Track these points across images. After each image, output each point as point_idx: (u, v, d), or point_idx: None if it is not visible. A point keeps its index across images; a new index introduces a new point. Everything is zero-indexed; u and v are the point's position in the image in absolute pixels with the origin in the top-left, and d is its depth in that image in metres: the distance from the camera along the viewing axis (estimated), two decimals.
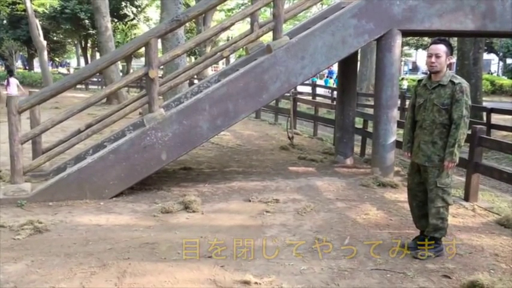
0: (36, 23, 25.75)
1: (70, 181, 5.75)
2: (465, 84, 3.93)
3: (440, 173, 3.99)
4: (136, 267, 3.86)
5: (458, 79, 3.96)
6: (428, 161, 4.04)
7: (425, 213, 4.19)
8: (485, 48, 29.60)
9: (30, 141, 6.17)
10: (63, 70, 44.29)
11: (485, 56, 33.60)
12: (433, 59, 3.96)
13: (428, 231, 4.14)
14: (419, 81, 4.25)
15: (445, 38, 4.22)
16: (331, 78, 29.53)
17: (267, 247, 4.34)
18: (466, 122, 3.88)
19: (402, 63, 49.75)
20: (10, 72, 18.94)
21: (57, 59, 45.10)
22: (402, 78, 28.58)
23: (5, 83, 17.29)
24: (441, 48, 3.95)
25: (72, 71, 40.76)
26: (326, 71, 29.04)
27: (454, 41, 28.40)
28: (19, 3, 30.13)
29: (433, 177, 4.02)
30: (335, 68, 23.11)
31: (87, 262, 3.94)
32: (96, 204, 5.62)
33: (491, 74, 42.83)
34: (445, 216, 4.06)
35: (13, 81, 16.47)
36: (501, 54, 42.29)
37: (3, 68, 43.40)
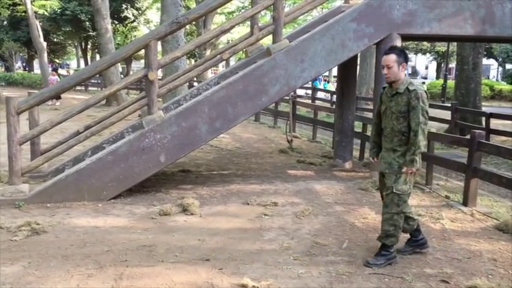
0: (37, 25, 25.79)
1: (68, 182, 5.74)
2: (421, 90, 3.89)
3: (397, 178, 3.95)
4: (134, 269, 3.85)
5: (414, 86, 3.91)
6: (389, 167, 4.02)
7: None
8: (485, 53, 29.70)
9: (29, 142, 6.16)
10: (62, 72, 44.29)
11: (485, 61, 33.69)
12: (385, 71, 3.96)
13: (379, 237, 4.08)
14: (384, 88, 4.22)
15: (396, 46, 4.16)
16: (328, 82, 29.52)
17: (265, 250, 4.33)
18: (423, 128, 3.85)
19: None
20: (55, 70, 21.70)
21: (57, 61, 45.09)
22: None
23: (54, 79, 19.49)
24: (391, 59, 3.92)
25: (71, 72, 40.75)
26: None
27: (453, 46, 28.49)
28: (19, 5, 30.11)
29: (390, 183, 3.98)
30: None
31: (84, 264, 3.93)
32: (94, 206, 5.61)
33: (491, 79, 42.93)
34: (398, 224, 3.98)
35: (55, 79, 18.89)
36: (500, 59, 42.38)
37: (3, 69, 43.40)
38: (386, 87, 4.16)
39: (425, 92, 3.96)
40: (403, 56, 3.97)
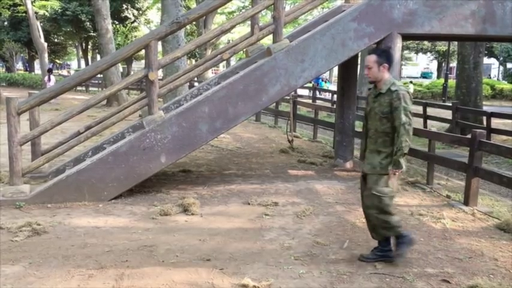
0: (37, 25, 25.80)
1: (69, 183, 5.74)
2: (403, 91, 3.84)
3: (378, 180, 3.89)
4: (135, 269, 3.85)
5: (396, 86, 3.86)
6: (371, 169, 3.96)
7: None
8: (486, 52, 29.70)
9: (30, 142, 6.16)
10: (63, 72, 44.35)
11: (486, 60, 33.70)
12: (366, 71, 3.96)
13: (378, 235, 4.06)
14: (370, 89, 4.19)
15: (379, 47, 4.15)
16: (325, 82, 29.53)
17: (266, 250, 4.33)
18: (407, 128, 3.77)
19: (402, 66, 49.81)
20: (50, 71, 21.84)
21: (58, 61, 45.13)
22: (411, 82, 28.67)
23: (46, 79, 19.77)
24: (371, 59, 3.91)
25: (72, 72, 40.79)
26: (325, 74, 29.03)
27: (454, 45, 28.48)
28: (20, 5, 30.15)
29: (370, 183, 3.93)
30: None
31: (85, 264, 3.93)
32: (95, 206, 5.61)
33: (492, 78, 42.89)
34: (384, 218, 3.91)
35: (53, 78, 19.34)
36: (501, 58, 42.36)
37: (4, 70, 43.44)
38: (372, 88, 4.13)
39: (408, 92, 3.90)
40: (384, 56, 3.93)
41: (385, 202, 3.90)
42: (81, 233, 4.72)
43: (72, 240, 4.50)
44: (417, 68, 58.96)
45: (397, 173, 3.87)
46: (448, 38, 7.88)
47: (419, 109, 14.60)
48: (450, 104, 13.45)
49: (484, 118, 12.01)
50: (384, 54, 3.97)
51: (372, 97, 4.04)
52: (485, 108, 14.78)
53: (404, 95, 3.82)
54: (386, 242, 4.08)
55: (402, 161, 3.82)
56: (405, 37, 7.30)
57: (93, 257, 4.09)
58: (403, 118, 3.77)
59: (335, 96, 13.90)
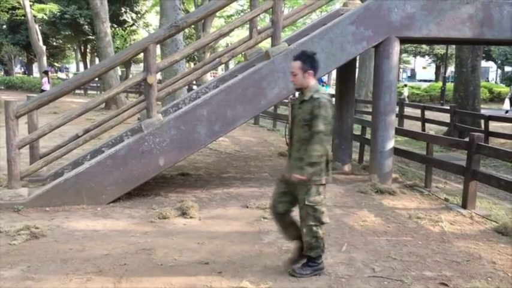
0: (36, 28, 25.87)
1: (67, 186, 5.73)
2: (324, 99, 3.71)
3: (308, 190, 3.73)
4: (133, 273, 3.84)
5: (319, 94, 3.74)
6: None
7: (286, 225, 3.96)
8: (483, 55, 29.74)
9: (28, 146, 6.16)
10: (62, 75, 44.33)
11: (483, 63, 33.78)
12: (291, 78, 3.88)
13: (304, 250, 3.90)
14: (293, 97, 4.12)
15: (304, 52, 3.99)
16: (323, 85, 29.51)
17: (264, 253, 4.33)
18: (322, 138, 3.64)
19: (400, 70, 49.96)
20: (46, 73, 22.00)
21: (56, 64, 45.14)
22: (405, 85, 28.67)
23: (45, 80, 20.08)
24: (295, 66, 3.81)
25: (71, 76, 40.80)
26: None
27: (452, 49, 28.54)
28: (19, 9, 30.19)
29: (301, 195, 3.76)
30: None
31: (83, 268, 3.93)
32: (93, 210, 5.60)
33: (489, 81, 42.99)
34: (318, 234, 3.78)
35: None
36: (499, 62, 42.41)
37: (2, 73, 43.44)
38: (298, 95, 4.02)
39: (330, 101, 3.76)
40: (309, 63, 3.80)
41: (320, 210, 3.77)
42: (79, 236, 4.72)
43: (71, 244, 4.50)
44: (431, 71, 58.30)
45: (295, 178, 3.70)
46: (446, 41, 7.92)
47: (417, 112, 14.66)
48: (448, 107, 13.49)
49: (482, 121, 12.04)
50: (308, 60, 3.82)
51: (296, 104, 3.93)
52: (483, 111, 14.83)
53: (325, 104, 3.69)
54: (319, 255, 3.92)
55: (309, 169, 3.65)
56: (403, 40, 7.33)
57: (92, 260, 4.09)
58: (321, 126, 3.64)
59: (333, 99, 13.92)
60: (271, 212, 4.07)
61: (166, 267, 3.97)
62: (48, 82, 19.38)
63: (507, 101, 22.76)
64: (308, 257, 3.90)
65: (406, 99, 24.57)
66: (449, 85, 25.85)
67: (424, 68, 57.59)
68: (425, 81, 45.80)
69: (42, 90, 17.05)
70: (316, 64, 3.88)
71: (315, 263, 3.89)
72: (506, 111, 21.57)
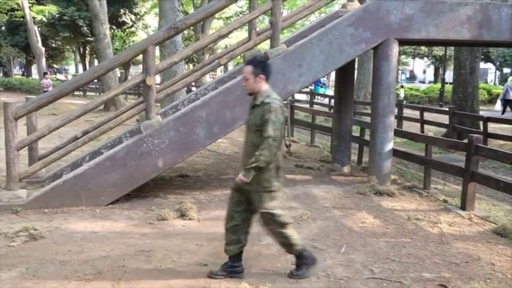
0: (35, 30, 25.87)
1: (66, 188, 5.73)
2: (275, 104, 3.62)
3: (260, 197, 3.70)
4: (132, 274, 3.84)
5: (270, 99, 3.65)
6: (248, 185, 3.68)
7: (236, 238, 3.83)
8: (482, 57, 29.78)
9: (27, 147, 6.15)
10: (61, 77, 44.31)
11: (482, 65, 33.78)
12: (244, 83, 3.82)
13: (289, 252, 3.93)
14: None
15: (255, 56, 3.88)
16: (321, 87, 29.54)
17: (263, 255, 4.32)
18: (271, 143, 3.56)
19: (399, 71, 49.96)
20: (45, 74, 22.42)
21: (55, 66, 45.12)
22: (401, 86, 28.69)
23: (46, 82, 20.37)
24: (247, 70, 3.73)
25: (70, 77, 40.78)
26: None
27: (450, 50, 28.57)
28: (18, 10, 30.16)
29: (257, 202, 3.73)
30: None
31: (81, 270, 3.92)
32: (92, 211, 5.60)
33: (488, 83, 43.05)
34: (285, 234, 3.77)
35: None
36: (498, 63, 42.52)
37: (1, 74, 43.42)
38: (251, 99, 3.90)
39: (281, 106, 3.67)
40: (260, 67, 3.72)
41: (277, 214, 3.74)
42: (78, 238, 4.72)
43: (69, 245, 4.49)
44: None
45: (239, 179, 3.66)
46: (445, 43, 7.94)
47: (416, 114, 14.67)
48: (447, 109, 13.51)
49: (481, 123, 12.05)
50: (260, 64, 3.74)
51: (249, 109, 3.85)
52: (481, 112, 14.85)
53: (276, 108, 3.60)
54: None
55: (253, 172, 3.59)
56: (402, 42, 7.34)
57: (90, 262, 4.08)
58: (270, 131, 3.56)
59: (332, 101, 13.95)
60: (225, 224, 3.90)
61: (165, 269, 3.97)
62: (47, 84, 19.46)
63: (499, 102, 22.72)
64: (296, 257, 3.91)
65: (404, 101, 24.57)
66: (448, 87, 25.85)
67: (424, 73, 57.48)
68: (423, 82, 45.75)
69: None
70: (268, 69, 3.79)
71: (303, 258, 3.88)
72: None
